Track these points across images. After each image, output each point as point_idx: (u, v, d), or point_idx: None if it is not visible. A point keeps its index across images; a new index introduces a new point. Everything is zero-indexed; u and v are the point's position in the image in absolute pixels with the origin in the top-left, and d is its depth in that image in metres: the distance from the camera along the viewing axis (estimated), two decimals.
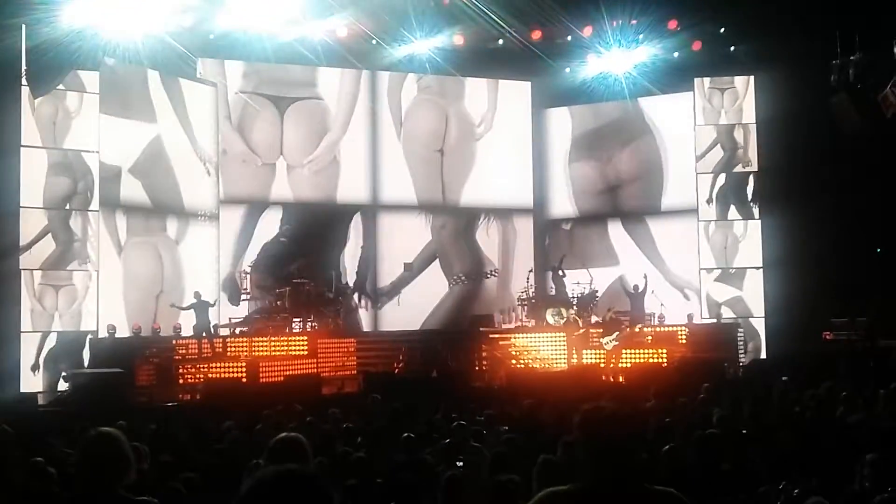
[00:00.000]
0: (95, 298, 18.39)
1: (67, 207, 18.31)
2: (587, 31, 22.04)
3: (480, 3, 20.19)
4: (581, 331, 19.70)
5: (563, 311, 20.54)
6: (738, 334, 20.93)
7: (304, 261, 21.01)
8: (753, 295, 22.21)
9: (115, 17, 17.97)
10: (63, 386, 16.67)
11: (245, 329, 19.21)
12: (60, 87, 18.12)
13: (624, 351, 18.80)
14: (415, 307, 22.99)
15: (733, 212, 22.68)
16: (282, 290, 19.46)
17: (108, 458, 3.68)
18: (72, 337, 18.02)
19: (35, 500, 4.09)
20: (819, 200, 19.96)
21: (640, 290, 21.01)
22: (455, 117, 24.06)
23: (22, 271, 17.65)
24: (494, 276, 23.97)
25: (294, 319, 19.21)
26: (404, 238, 23.24)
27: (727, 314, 22.09)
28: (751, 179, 22.52)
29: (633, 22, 21.33)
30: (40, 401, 16.04)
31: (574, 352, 19.39)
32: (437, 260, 23.66)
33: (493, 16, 20.35)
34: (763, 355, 21.25)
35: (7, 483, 5.89)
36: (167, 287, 19.92)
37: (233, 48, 20.71)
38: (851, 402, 10.23)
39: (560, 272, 21.57)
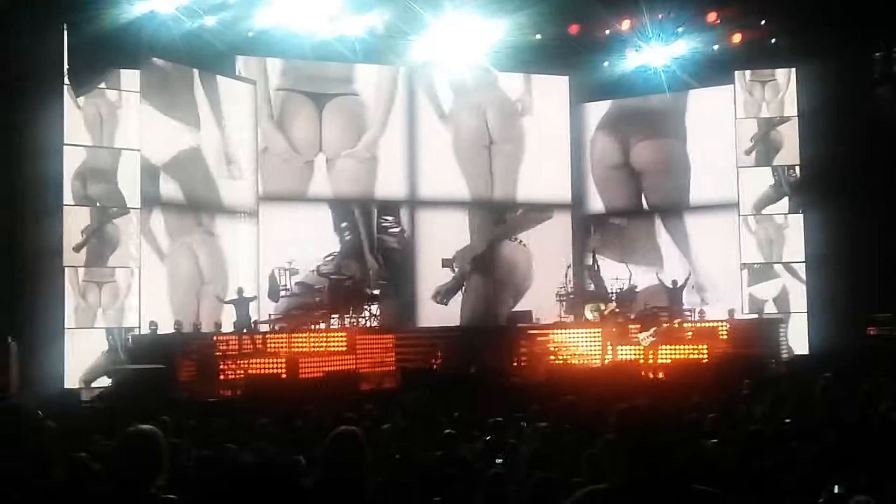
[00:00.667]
0: (137, 295, 18.60)
1: (108, 205, 18.52)
2: (626, 25, 21.90)
3: None
4: (617, 327, 19.57)
5: (602, 305, 20.44)
6: (781, 330, 20.70)
7: (343, 256, 21.12)
8: (796, 290, 21.92)
9: (156, 16, 18.16)
10: (106, 382, 16.87)
11: (284, 325, 19.32)
12: (102, 85, 18.33)
13: (662, 347, 18.65)
14: (453, 302, 23.06)
15: (775, 206, 22.39)
16: (321, 286, 19.55)
17: (143, 456, 3.70)
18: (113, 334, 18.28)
19: (76, 495, 4.13)
20: (862, 194, 19.67)
21: (678, 286, 20.88)
22: (496, 112, 24.01)
23: (66, 268, 17.88)
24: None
25: (333, 315, 19.29)
26: (444, 234, 23.25)
27: (769, 309, 21.85)
28: (793, 172, 22.21)
29: (672, 15, 21.12)
30: (83, 396, 16.24)
31: (609, 347, 19.26)
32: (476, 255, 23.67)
33: (530, 10, 20.27)
34: (806, 351, 20.96)
35: (49, 478, 5.96)
36: (208, 284, 20.12)
37: (271, 45, 20.84)
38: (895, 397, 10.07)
39: (595, 266, 21.48)
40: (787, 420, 8.88)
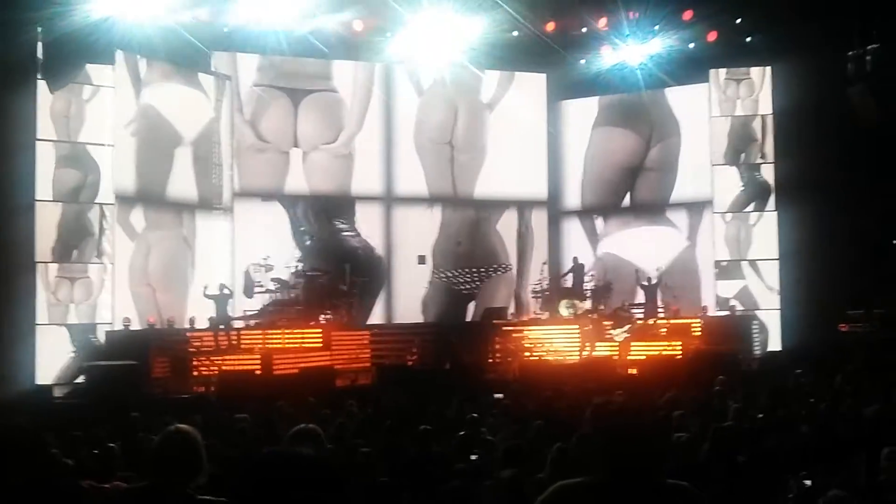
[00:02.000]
0: (111, 291, 18.47)
1: (81, 201, 18.37)
2: (602, 23, 21.97)
3: None
4: (593, 323, 19.65)
5: (577, 303, 20.51)
6: (753, 326, 20.86)
7: (317, 253, 21.09)
8: (768, 287, 22.08)
9: (130, 11, 18.04)
10: (78, 378, 16.76)
11: (259, 321, 19.26)
12: (75, 81, 18.19)
13: (637, 343, 18.75)
14: (426, 299, 23.12)
15: (747, 204, 22.52)
16: (296, 282, 19.49)
17: (184, 457, 3.69)
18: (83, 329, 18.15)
19: (46, 490, 4.10)
20: (835, 192, 19.85)
21: (652, 283, 21.00)
22: (467, 109, 24.01)
23: (37, 264, 17.73)
24: (508, 270, 23.94)
25: (309, 312, 19.22)
26: (418, 230, 23.25)
27: (740, 306, 22.01)
28: (767, 170, 22.35)
29: (648, 13, 21.20)
30: (55, 393, 16.12)
31: (587, 344, 19.35)
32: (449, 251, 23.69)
33: (507, 7, 20.29)
34: (778, 347, 21.13)
35: (21, 475, 5.90)
36: (183, 279, 20.01)
37: (247, 41, 20.77)
38: (867, 393, 10.19)
39: (580, 264, 21.62)
40: (760, 415, 8.95)
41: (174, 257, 20.03)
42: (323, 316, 19.34)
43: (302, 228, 22.14)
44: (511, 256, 24.05)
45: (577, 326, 19.83)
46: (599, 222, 24.30)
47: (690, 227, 23.15)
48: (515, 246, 24.12)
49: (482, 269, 23.85)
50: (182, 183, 20.29)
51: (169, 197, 20.02)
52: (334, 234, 22.49)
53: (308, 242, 22.03)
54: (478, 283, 23.72)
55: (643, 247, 23.46)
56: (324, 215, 22.42)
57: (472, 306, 23.37)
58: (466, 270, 23.69)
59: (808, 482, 5.50)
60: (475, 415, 9.41)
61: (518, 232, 24.22)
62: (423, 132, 23.58)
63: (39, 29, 16.89)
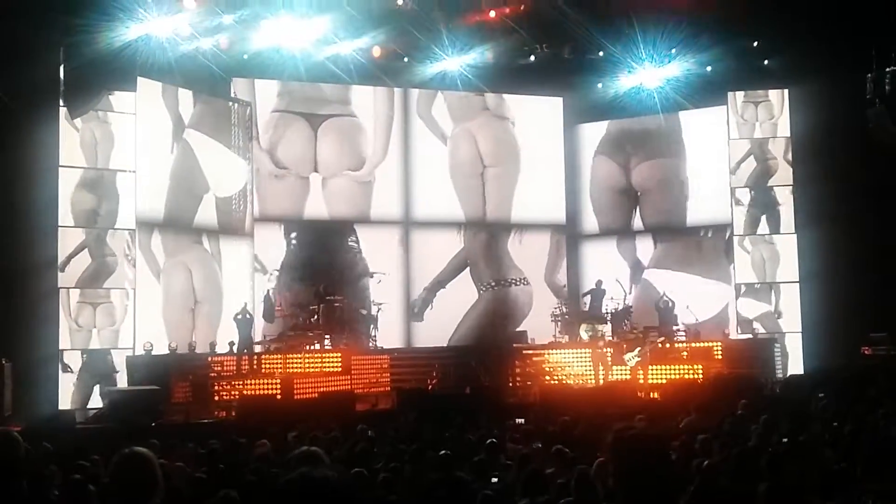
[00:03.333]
0: (133, 316, 18.57)
1: (103, 226, 18.51)
2: (619, 47, 22.03)
3: (511, 20, 20.27)
4: (605, 347, 19.53)
5: (598, 326, 20.45)
6: (775, 350, 20.73)
7: (335, 278, 21.16)
8: (789, 310, 21.95)
9: (152, 39, 18.25)
10: (100, 403, 16.83)
11: (279, 346, 19.31)
12: (97, 107, 18.39)
13: (653, 367, 18.65)
14: (448, 320, 23.13)
15: (768, 226, 22.44)
16: (315, 306, 19.54)
17: (138, 479, 3.72)
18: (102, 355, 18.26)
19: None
20: (855, 214, 19.76)
21: (669, 305, 20.90)
22: (494, 135, 24.10)
23: (60, 289, 17.86)
24: (524, 283, 23.87)
25: (326, 336, 19.26)
26: (438, 255, 23.29)
27: (762, 329, 21.90)
28: (787, 193, 22.28)
29: (665, 37, 21.25)
30: (78, 418, 16.19)
31: (600, 367, 19.25)
32: (469, 270, 23.70)
33: (524, 32, 20.41)
34: (801, 371, 20.98)
35: (44, 500, 5.95)
36: (205, 304, 20.10)
37: (266, 67, 20.96)
38: (891, 416, 10.10)
39: (602, 288, 21.55)
40: (784, 440, 8.88)
41: (194, 282, 20.12)
42: (342, 340, 19.37)
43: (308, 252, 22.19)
44: (530, 280, 24.01)
45: (590, 351, 19.76)
46: (616, 245, 24.28)
47: (709, 249, 23.07)
48: (534, 268, 24.08)
49: (498, 284, 23.85)
50: (205, 210, 20.43)
51: (189, 222, 20.13)
52: (341, 257, 22.50)
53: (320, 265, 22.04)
54: (496, 305, 23.68)
55: (661, 269, 23.44)
56: (338, 238, 22.50)
57: (491, 328, 23.26)
58: (483, 285, 23.69)
59: None
60: (494, 440, 9.37)
61: (536, 254, 24.20)
62: (453, 157, 23.69)
63: (62, 55, 17.14)
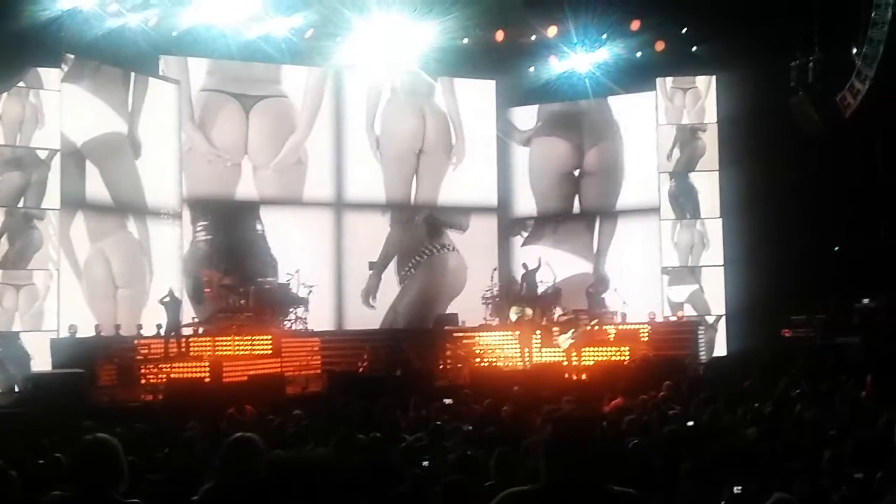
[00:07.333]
0: (56, 298, 18.18)
1: (21, 204, 18.07)
2: (551, 31, 22.17)
3: (446, 2, 20.24)
4: (534, 329, 19.68)
5: (526, 308, 20.60)
6: (699, 332, 21.16)
7: (262, 260, 20.99)
8: (713, 293, 22.41)
9: (78, 13, 17.80)
10: (21, 387, 16.48)
11: (208, 328, 19.08)
12: (21, 84, 17.90)
13: (584, 349, 18.88)
14: (378, 304, 23.14)
15: (694, 211, 22.84)
16: (245, 289, 19.35)
17: (103, 466, 3.71)
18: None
19: None
20: (778, 199, 20.21)
21: (598, 289, 21.17)
22: (429, 116, 24.06)
23: None
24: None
25: (258, 319, 19.08)
26: (369, 237, 23.23)
27: (688, 312, 22.33)
28: (713, 178, 22.67)
29: (596, 22, 21.44)
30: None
31: (525, 350, 19.39)
32: (396, 258, 23.71)
33: (458, 14, 20.38)
34: (723, 352, 21.45)
35: None
36: (130, 286, 19.76)
37: (196, 45, 20.60)
38: (809, 398, 10.40)
39: (533, 269, 21.66)
40: (705, 419, 9.08)
41: (121, 263, 19.76)
42: (274, 322, 19.24)
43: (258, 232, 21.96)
44: (462, 262, 24.09)
45: (518, 333, 19.88)
46: (549, 229, 24.47)
47: (638, 233, 23.39)
48: (467, 252, 24.16)
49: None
50: (130, 187, 20.05)
51: (116, 202, 19.76)
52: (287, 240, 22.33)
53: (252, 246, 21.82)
54: (427, 287, 23.73)
55: (592, 252, 23.76)
56: (277, 220, 22.30)
57: (421, 311, 23.31)
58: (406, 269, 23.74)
59: (738, 489, 5.59)
60: (439, 423, 9.39)
61: (467, 237, 24.28)
62: (392, 140, 23.59)
63: None
